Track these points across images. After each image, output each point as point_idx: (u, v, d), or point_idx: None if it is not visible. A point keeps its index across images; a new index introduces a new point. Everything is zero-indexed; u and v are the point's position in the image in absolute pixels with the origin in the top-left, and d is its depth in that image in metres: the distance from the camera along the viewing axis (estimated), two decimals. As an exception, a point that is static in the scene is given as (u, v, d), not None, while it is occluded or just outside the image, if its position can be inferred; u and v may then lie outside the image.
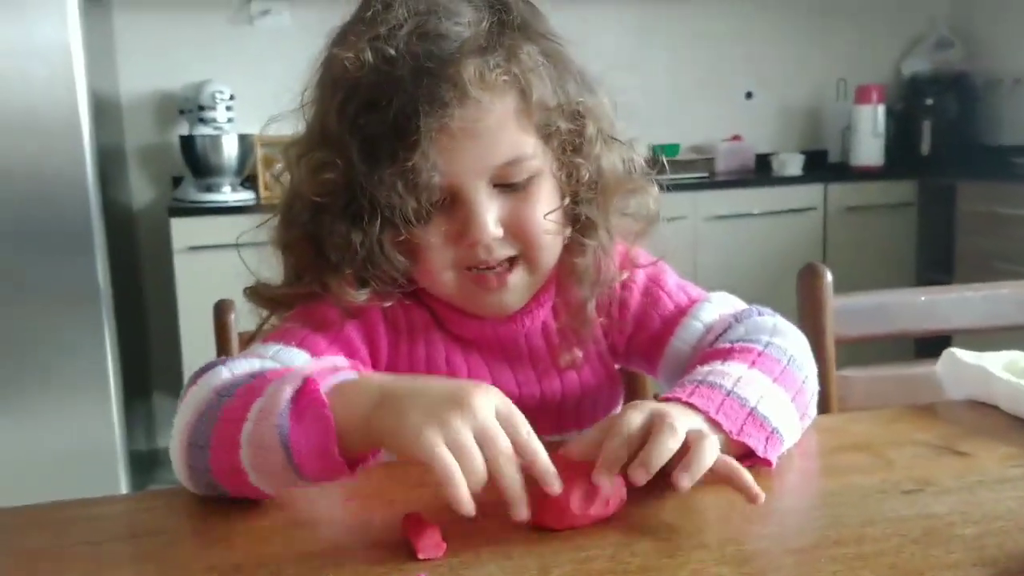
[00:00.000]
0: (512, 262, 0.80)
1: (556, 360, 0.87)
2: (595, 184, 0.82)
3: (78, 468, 2.43)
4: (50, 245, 2.39)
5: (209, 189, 2.92)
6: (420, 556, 0.58)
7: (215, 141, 2.92)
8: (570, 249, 0.83)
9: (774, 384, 0.74)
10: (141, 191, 3.21)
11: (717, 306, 0.87)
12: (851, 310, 1.14)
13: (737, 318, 0.85)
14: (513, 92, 0.76)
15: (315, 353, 0.79)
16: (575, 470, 0.63)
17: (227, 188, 2.94)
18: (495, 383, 0.83)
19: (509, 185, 0.78)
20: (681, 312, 0.87)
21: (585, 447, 0.66)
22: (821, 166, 3.64)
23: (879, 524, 0.61)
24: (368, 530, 0.64)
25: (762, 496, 0.62)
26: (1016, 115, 3.56)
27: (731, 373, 0.73)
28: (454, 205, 0.77)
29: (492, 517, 0.62)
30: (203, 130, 2.98)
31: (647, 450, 0.62)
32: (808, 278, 1.13)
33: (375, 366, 0.83)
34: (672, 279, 0.90)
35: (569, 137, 0.80)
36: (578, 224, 0.83)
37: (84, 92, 2.38)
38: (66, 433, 2.44)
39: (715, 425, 0.68)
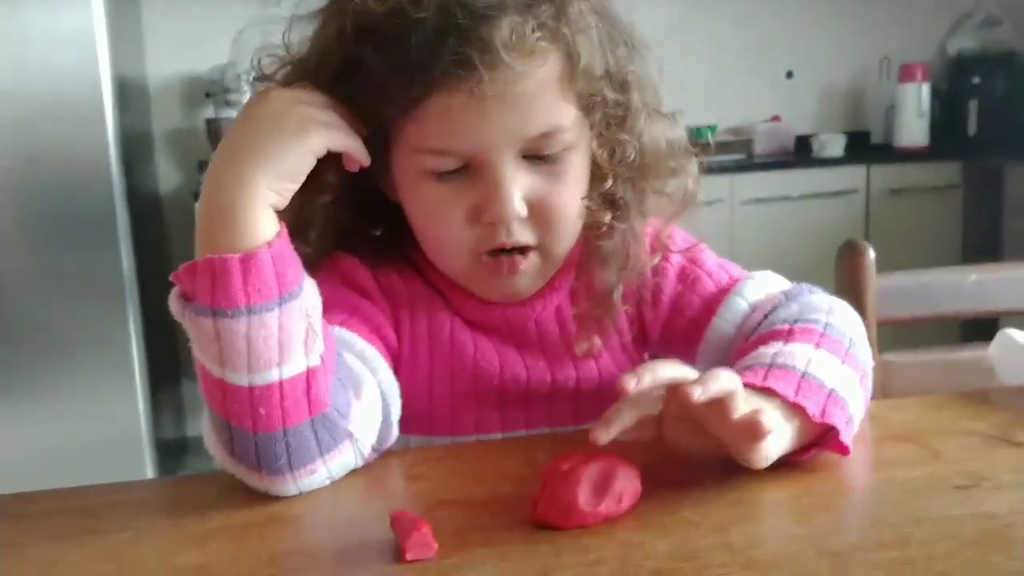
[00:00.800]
0: (526, 249, 0.73)
1: (571, 347, 0.79)
2: (635, 163, 0.75)
3: (105, 457, 2.42)
4: (74, 232, 2.37)
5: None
6: (407, 557, 0.52)
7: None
8: (597, 230, 0.76)
9: (843, 366, 0.67)
10: (168, 176, 3.18)
11: (761, 284, 0.80)
12: (894, 290, 1.06)
13: (787, 296, 0.77)
14: (557, 55, 0.68)
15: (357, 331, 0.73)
16: (585, 461, 0.57)
17: None
18: (502, 366, 0.78)
19: (539, 157, 0.70)
20: (723, 291, 0.80)
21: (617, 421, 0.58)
22: (863, 147, 3.52)
23: (927, 524, 0.54)
24: (351, 528, 0.59)
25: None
26: (1068, 93, 3.41)
27: (799, 354, 0.66)
28: (475, 175, 0.70)
29: (489, 514, 0.56)
30: (229, 113, 2.93)
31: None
32: (848, 256, 1.05)
33: (399, 341, 0.77)
34: (711, 258, 0.82)
35: (614, 109, 0.73)
36: (606, 201, 0.75)
37: (108, 78, 2.36)
38: (92, 422, 2.43)
39: (796, 409, 0.61)
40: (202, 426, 0.65)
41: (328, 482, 0.64)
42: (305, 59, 0.72)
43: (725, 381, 0.56)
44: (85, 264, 2.38)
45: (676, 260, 0.81)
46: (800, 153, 3.41)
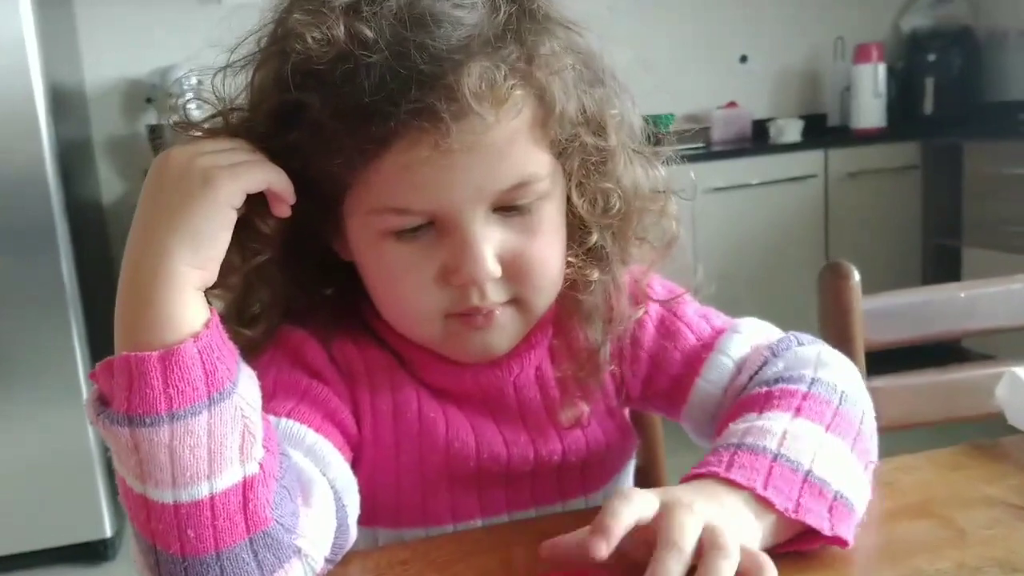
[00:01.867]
0: (504, 304, 0.65)
1: (554, 416, 0.71)
2: (619, 211, 0.67)
3: (55, 477, 2.35)
4: (12, 245, 2.27)
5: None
6: None
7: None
8: (574, 284, 0.68)
9: (827, 434, 0.60)
10: (111, 184, 3.05)
11: (748, 336, 0.72)
12: (880, 313, 1.00)
13: (774, 351, 0.70)
14: (530, 102, 0.61)
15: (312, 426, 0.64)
16: None
17: None
18: (478, 443, 0.69)
19: (512, 208, 0.63)
20: (706, 347, 0.72)
21: (577, 545, 0.52)
22: (820, 131, 3.49)
23: (968, 639, 0.48)
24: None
25: None
26: (1023, 69, 3.40)
27: (773, 430, 0.59)
28: (441, 233, 0.62)
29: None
30: (172, 119, 2.81)
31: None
32: (831, 279, 0.99)
33: (359, 424, 0.69)
34: (691, 307, 0.75)
35: (592, 154, 0.65)
36: (589, 255, 0.68)
37: (40, 84, 2.26)
38: (39, 441, 2.35)
39: (764, 504, 0.55)
40: (131, 547, 0.56)
41: None
42: (238, 108, 0.63)
43: (627, 514, 0.50)
44: (25, 276, 2.29)
45: (654, 310, 0.73)
46: (757, 139, 3.37)
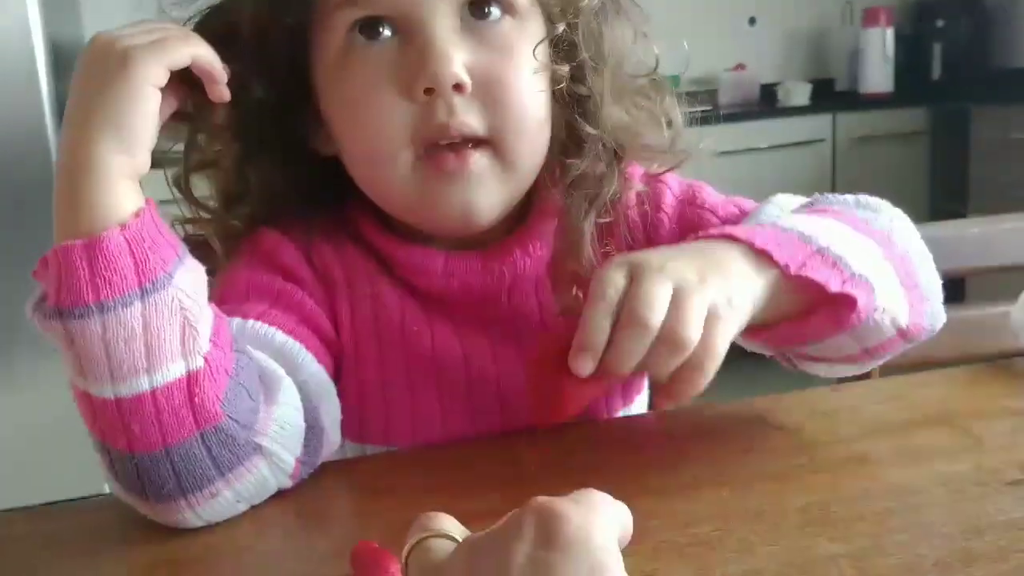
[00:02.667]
0: (475, 143, 0.60)
1: (550, 329, 0.67)
2: (597, 60, 0.64)
3: (58, 433, 2.31)
4: (12, 202, 2.23)
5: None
6: (372, 604, 0.43)
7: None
8: (565, 149, 0.65)
9: (857, 233, 0.58)
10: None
11: (782, 204, 0.68)
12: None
13: (811, 204, 0.67)
14: None
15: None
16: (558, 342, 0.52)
17: None
18: (466, 356, 0.66)
19: (478, 17, 0.60)
20: (735, 219, 0.68)
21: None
22: (828, 95, 3.45)
23: (989, 534, 0.46)
24: (305, 564, 0.48)
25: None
26: (1032, 35, 3.36)
27: (796, 220, 0.57)
28: (407, 42, 0.59)
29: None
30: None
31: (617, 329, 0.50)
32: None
33: (338, 332, 0.66)
34: (715, 195, 0.71)
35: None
36: (572, 108, 0.65)
37: (41, 42, 2.22)
38: (42, 399, 2.31)
39: (762, 257, 0.52)
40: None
41: (242, 506, 0.54)
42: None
43: (604, 321, 0.50)
44: (24, 234, 2.25)
45: (670, 204, 0.69)
46: (765, 103, 3.32)
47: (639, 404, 0.75)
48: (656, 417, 0.72)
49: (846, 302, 0.54)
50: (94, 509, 0.57)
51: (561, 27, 0.63)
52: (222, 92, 0.56)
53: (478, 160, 0.60)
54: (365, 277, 0.66)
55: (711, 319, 0.50)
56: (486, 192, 0.61)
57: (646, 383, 0.76)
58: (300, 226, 0.66)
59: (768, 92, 3.34)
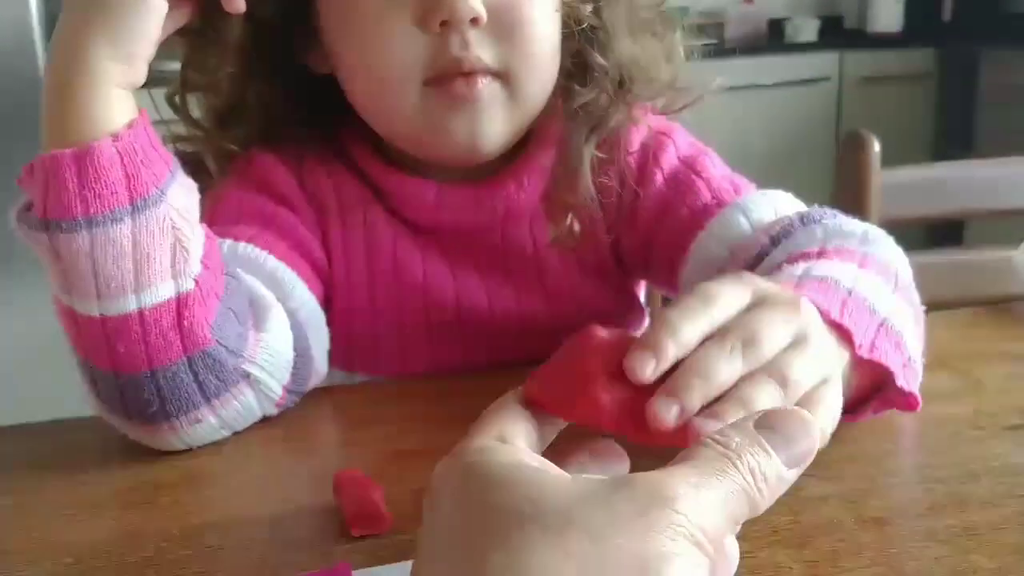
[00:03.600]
0: (487, 73, 0.58)
1: (544, 274, 0.66)
2: None
3: (60, 353, 2.31)
4: (3, 127, 2.20)
5: (169, 58, 2.67)
6: (354, 532, 0.42)
7: None
8: (570, 77, 0.63)
9: (895, 295, 0.50)
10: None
11: (773, 201, 0.63)
12: (899, 187, 0.96)
13: (804, 219, 0.58)
14: None
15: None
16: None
17: None
18: (457, 288, 0.64)
19: None
20: (720, 204, 0.63)
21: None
22: (836, 32, 3.38)
23: (985, 479, 0.45)
24: (286, 491, 0.48)
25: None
26: (1048, -24, 3.28)
27: (842, 270, 0.48)
28: None
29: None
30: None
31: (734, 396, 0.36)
32: (851, 149, 0.95)
33: (329, 260, 0.65)
34: (716, 167, 0.66)
35: None
36: (582, 40, 0.62)
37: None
38: (33, 324, 2.30)
39: (837, 331, 0.43)
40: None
41: (225, 432, 0.53)
42: None
43: (689, 331, 0.37)
44: (12, 154, 2.22)
45: (668, 161, 0.66)
46: (772, 38, 3.26)
47: None
48: None
49: (905, 399, 0.47)
50: (76, 429, 0.56)
51: None
52: (238, 4, 0.53)
53: (488, 88, 0.58)
54: (358, 204, 0.64)
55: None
56: (493, 120, 0.59)
57: (644, 324, 0.74)
58: (293, 149, 0.65)
59: (776, 27, 3.28)
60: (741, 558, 0.32)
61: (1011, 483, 0.44)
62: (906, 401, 0.47)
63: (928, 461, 0.47)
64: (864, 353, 0.44)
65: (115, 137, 0.47)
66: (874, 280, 0.49)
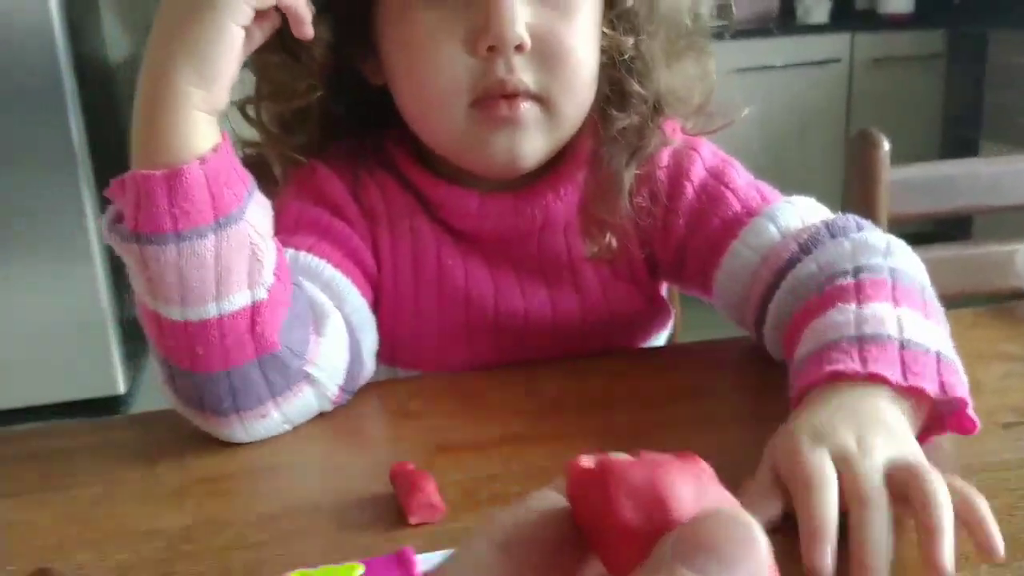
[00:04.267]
0: (528, 97, 0.63)
1: (577, 275, 0.70)
2: (651, 25, 0.66)
3: (69, 334, 2.36)
4: (18, 104, 2.23)
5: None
6: (412, 521, 0.47)
7: None
8: (607, 102, 0.67)
9: (928, 320, 0.54)
10: (117, 43, 2.99)
11: (800, 210, 0.67)
12: (907, 183, 1.00)
13: (831, 229, 0.63)
14: None
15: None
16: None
17: None
18: (496, 290, 0.69)
19: None
20: (750, 213, 0.67)
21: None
22: (848, 13, 3.39)
23: (981, 474, 0.49)
24: (348, 481, 0.52)
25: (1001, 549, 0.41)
26: (1059, -43, 3.28)
27: (886, 317, 0.53)
28: (468, 6, 0.60)
29: (501, 460, 0.51)
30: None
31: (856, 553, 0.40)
32: (861, 147, 0.98)
33: (378, 266, 0.69)
34: (742, 177, 0.71)
35: None
36: (622, 68, 0.66)
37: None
38: (52, 304, 2.35)
39: (911, 394, 0.49)
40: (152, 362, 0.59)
41: (286, 427, 0.58)
42: None
43: (831, 509, 0.42)
44: (32, 137, 2.25)
45: (697, 174, 0.70)
46: (784, 19, 3.27)
47: (660, 339, 0.79)
48: (676, 350, 0.75)
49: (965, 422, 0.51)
50: (151, 422, 0.61)
51: (630, 1, 0.65)
52: (307, 31, 0.58)
53: (528, 110, 0.62)
54: (405, 213, 0.69)
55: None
56: (531, 140, 0.64)
57: (670, 323, 0.79)
58: (347, 162, 0.69)
59: (788, 8, 3.29)
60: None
61: (1004, 476, 0.49)
62: (966, 424, 0.50)
63: (928, 455, 0.52)
64: (938, 396, 0.49)
65: (202, 160, 0.52)
66: (913, 316, 0.54)
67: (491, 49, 0.60)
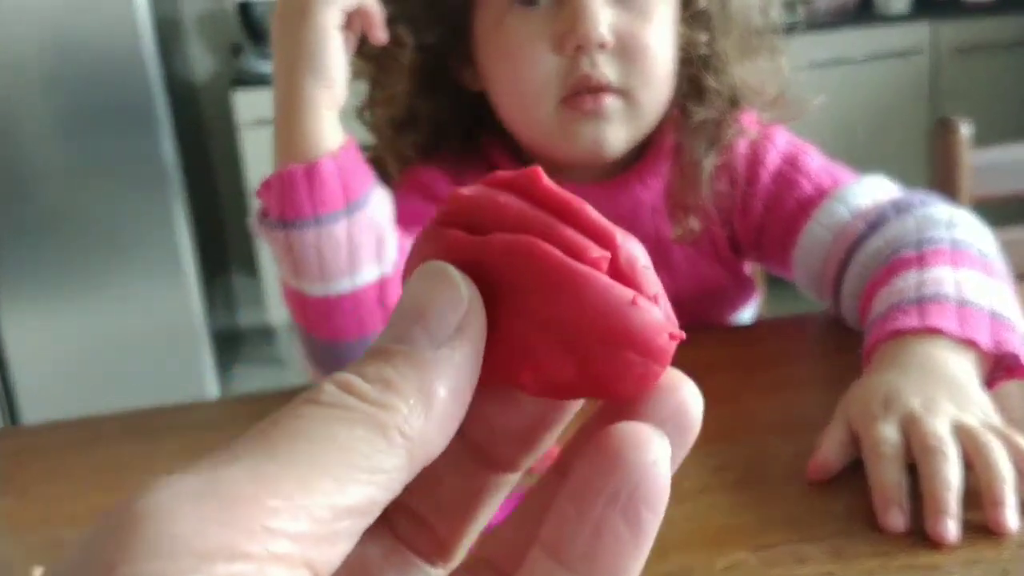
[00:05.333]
0: (611, 90, 0.69)
1: (665, 255, 0.75)
2: (725, 23, 0.71)
3: (162, 350, 2.44)
4: (114, 124, 2.33)
5: (270, 57, 2.78)
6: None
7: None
8: (686, 97, 0.73)
9: (991, 279, 0.60)
10: (202, 63, 3.10)
11: (869, 189, 0.72)
12: (991, 167, 0.98)
13: (897, 207, 0.69)
14: None
15: None
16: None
17: (253, 59, 2.78)
18: None
19: None
20: (822, 194, 0.73)
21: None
22: (928, 2, 3.31)
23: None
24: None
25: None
26: None
27: (945, 279, 0.58)
28: (560, 5, 0.67)
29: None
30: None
31: (929, 494, 0.46)
32: (942, 134, 0.98)
33: None
34: (815, 161, 0.76)
35: None
36: (698, 65, 0.72)
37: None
38: (147, 316, 2.44)
39: (969, 347, 0.54)
40: (295, 343, 0.67)
41: None
42: None
43: (894, 472, 0.48)
44: (126, 155, 2.35)
45: (772, 161, 0.75)
46: (862, 11, 3.21)
47: (746, 315, 0.84)
48: (761, 324, 0.80)
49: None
50: (275, 399, 0.65)
51: (703, 1, 0.70)
52: (379, 35, 0.64)
53: (611, 103, 0.68)
54: None
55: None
56: (615, 130, 0.70)
57: (754, 299, 0.83)
58: (453, 164, 0.75)
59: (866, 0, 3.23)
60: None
61: None
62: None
63: (997, 402, 0.52)
64: (992, 350, 0.54)
65: (333, 155, 0.59)
66: (971, 277, 0.59)
67: (578, 48, 0.66)
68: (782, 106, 0.75)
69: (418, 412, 0.17)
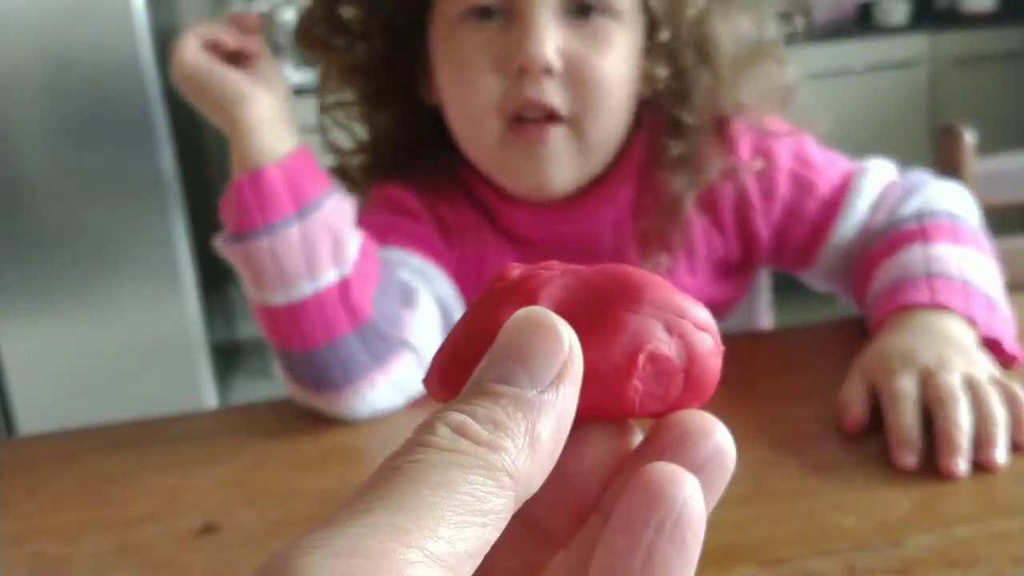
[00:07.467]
0: (556, 119, 0.66)
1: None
2: (701, 48, 0.68)
3: (161, 362, 2.42)
4: (112, 135, 2.32)
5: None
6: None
7: (271, 18, 2.77)
8: (662, 129, 0.70)
9: (982, 256, 0.66)
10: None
11: (877, 176, 0.74)
12: (994, 174, 0.98)
13: (905, 189, 0.73)
14: None
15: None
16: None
17: (288, 67, 2.79)
18: None
19: (579, 14, 0.64)
20: (839, 192, 0.73)
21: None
22: (927, 14, 3.31)
23: None
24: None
25: None
26: None
27: (947, 257, 0.64)
28: (510, 23, 0.64)
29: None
30: (259, 6, 2.83)
31: (943, 434, 0.53)
32: (945, 140, 0.97)
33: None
34: (818, 155, 0.75)
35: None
36: (675, 96, 0.69)
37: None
38: (145, 328, 2.42)
39: (969, 321, 0.60)
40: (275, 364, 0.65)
41: (398, 398, 0.62)
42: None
43: (912, 414, 0.54)
44: (125, 166, 2.34)
45: (785, 163, 0.73)
46: (861, 22, 3.21)
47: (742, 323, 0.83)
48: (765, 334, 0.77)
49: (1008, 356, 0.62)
50: (265, 410, 0.66)
51: (665, 34, 0.66)
52: (253, 47, 0.63)
53: (556, 134, 0.65)
54: (473, 225, 0.73)
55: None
56: (559, 168, 0.67)
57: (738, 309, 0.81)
58: (421, 180, 0.73)
59: (864, 10, 3.23)
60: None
61: None
62: (1009, 357, 0.61)
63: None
64: (985, 332, 0.60)
65: (278, 162, 0.58)
66: (970, 255, 0.65)
67: (522, 70, 0.63)
68: (791, 112, 0.74)
69: (525, 453, 0.18)
